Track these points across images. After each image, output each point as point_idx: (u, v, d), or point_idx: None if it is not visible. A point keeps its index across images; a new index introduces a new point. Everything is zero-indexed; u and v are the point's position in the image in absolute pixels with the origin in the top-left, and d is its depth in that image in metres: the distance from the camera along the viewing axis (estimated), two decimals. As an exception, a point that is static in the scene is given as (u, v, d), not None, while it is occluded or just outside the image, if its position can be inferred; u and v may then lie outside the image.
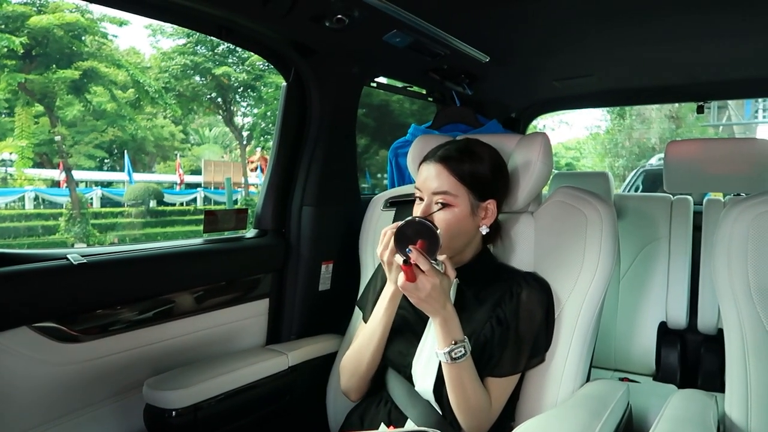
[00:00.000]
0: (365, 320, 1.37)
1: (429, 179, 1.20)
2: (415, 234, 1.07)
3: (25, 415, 1.18)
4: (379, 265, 1.44)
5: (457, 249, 1.23)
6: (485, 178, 1.22)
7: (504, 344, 1.18)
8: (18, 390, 1.16)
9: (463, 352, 1.11)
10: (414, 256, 1.05)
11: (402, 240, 1.08)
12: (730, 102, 14.72)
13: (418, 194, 1.23)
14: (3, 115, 16.54)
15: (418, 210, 1.21)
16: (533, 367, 1.22)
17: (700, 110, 2.62)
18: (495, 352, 1.17)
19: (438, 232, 1.07)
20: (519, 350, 1.19)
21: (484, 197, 1.22)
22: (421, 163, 1.25)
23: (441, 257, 1.09)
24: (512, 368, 1.19)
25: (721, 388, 1.21)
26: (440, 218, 1.18)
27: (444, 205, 1.18)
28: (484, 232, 1.24)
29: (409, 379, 1.23)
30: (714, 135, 17.26)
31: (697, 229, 2.17)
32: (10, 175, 15.91)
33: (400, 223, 1.09)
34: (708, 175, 2.01)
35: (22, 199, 15.66)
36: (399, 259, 1.07)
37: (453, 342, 1.10)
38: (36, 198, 15.91)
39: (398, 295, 1.21)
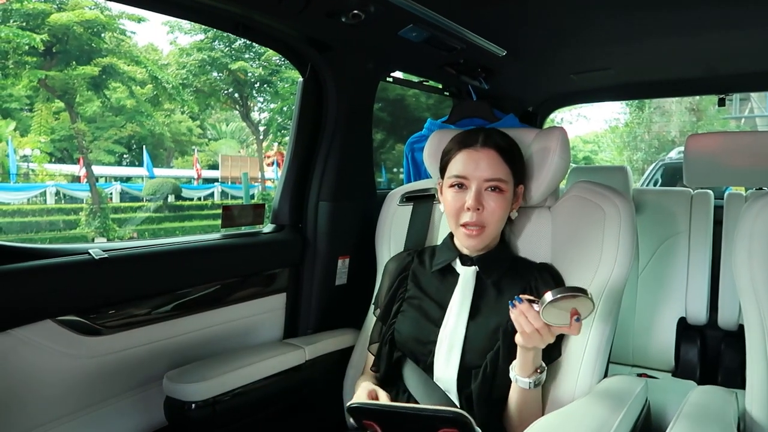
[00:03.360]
0: (375, 315, 1.41)
1: (481, 166, 1.20)
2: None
3: (49, 407, 1.20)
4: (386, 264, 1.45)
5: (496, 234, 1.25)
6: (522, 164, 1.28)
7: None
8: (42, 382, 1.18)
9: (544, 378, 1.12)
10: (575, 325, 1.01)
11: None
12: (752, 94, 14.43)
13: (458, 181, 1.22)
14: (25, 111, 16.80)
15: (460, 198, 1.21)
16: (553, 361, 1.22)
17: (721, 103, 2.58)
18: None
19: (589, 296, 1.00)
20: None
21: (518, 183, 1.27)
22: (456, 151, 1.25)
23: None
24: (546, 361, 1.19)
25: (741, 385, 1.19)
26: (493, 205, 1.20)
27: (495, 190, 1.20)
28: (513, 217, 1.29)
29: (429, 367, 1.24)
30: (736, 128, 16.96)
31: (717, 223, 2.14)
32: (32, 170, 16.18)
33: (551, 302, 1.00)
34: (729, 168, 1.97)
35: (43, 194, 15.91)
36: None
37: (537, 370, 1.11)
38: (57, 193, 16.16)
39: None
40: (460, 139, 1.26)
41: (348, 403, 1.05)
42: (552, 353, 1.21)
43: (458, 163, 1.23)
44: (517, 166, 1.26)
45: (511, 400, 1.16)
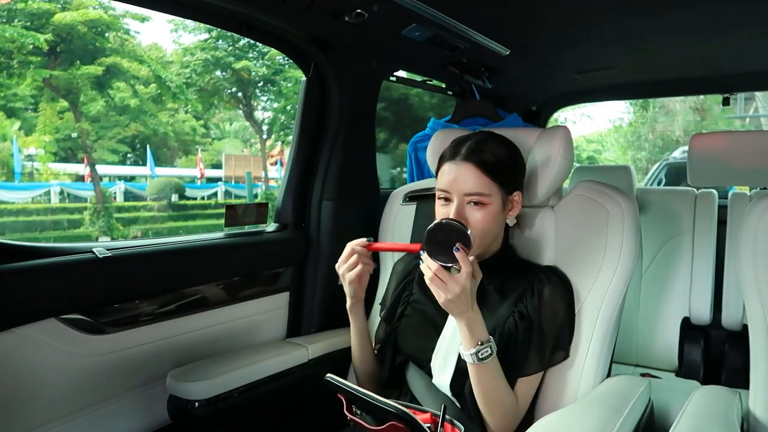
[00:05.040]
0: (380, 315, 1.41)
1: (460, 180, 1.16)
2: (446, 236, 1.06)
3: (53, 405, 1.21)
4: (395, 265, 1.45)
5: (486, 245, 1.22)
6: (512, 171, 1.21)
7: (528, 342, 1.17)
8: (46, 380, 1.19)
9: (489, 351, 1.09)
10: (460, 258, 1.04)
11: (433, 243, 1.07)
12: (757, 93, 14.40)
13: (443, 195, 1.19)
14: (29, 111, 16.85)
15: (445, 212, 1.18)
16: (557, 363, 1.21)
17: (725, 102, 2.57)
18: (520, 350, 1.17)
19: (469, 232, 1.06)
20: (542, 347, 1.18)
21: (511, 190, 1.21)
22: (444, 162, 1.21)
23: (470, 258, 1.07)
24: (538, 366, 1.18)
25: (745, 385, 1.19)
26: (476, 219, 1.15)
27: (477, 204, 1.16)
28: (511, 223, 1.25)
29: (429, 373, 1.24)
30: (741, 127, 16.90)
31: (721, 223, 2.13)
32: (36, 169, 16.24)
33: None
34: (733, 168, 1.97)
35: (48, 193, 15.96)
36: (432, 264, 1.06)
37: (479, 342, 1.09)
38: (61, 192, 16.21)
39: (357, 305, 1.29)
40: (451, 146, 1.23)
41: (326, 376, 1.12)
42: (558, 355, 1.21)
43: (443, 176, 1.20)
44: (505, 177, 1.19)
45: (470, 378, 1.14)
